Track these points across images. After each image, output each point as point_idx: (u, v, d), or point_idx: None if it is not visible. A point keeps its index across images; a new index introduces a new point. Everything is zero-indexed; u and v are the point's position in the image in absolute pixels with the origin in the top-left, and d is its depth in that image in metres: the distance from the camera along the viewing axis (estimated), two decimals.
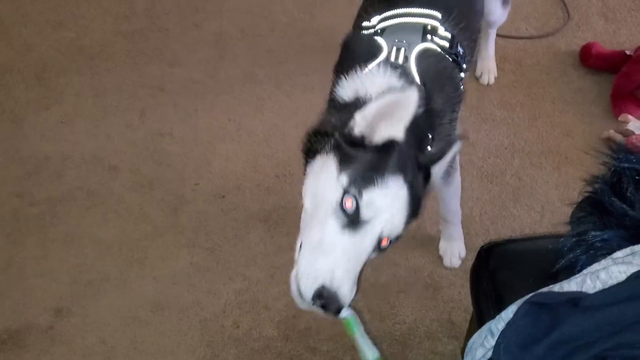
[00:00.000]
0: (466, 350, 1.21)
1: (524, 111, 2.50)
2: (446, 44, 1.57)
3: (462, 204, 2.06)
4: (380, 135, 1.26)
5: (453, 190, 1.92)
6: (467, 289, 2.09)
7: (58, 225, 2.33)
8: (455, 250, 2.16)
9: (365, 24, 1.64)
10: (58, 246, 2.29)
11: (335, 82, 1.60)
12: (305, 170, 1.38)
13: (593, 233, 1.01)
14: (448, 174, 1.72)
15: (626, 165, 1.05)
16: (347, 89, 1.45)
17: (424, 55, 1.51)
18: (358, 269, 1.23)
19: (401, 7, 1.60)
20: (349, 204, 1.20)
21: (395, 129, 1.25)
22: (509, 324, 0.94)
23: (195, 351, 2.06)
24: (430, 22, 1.57)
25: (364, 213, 1.21)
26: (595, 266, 0.95)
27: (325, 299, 1.17)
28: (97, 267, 2.24)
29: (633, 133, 2.27)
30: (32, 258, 2.25)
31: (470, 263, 2.14)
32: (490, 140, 2.42)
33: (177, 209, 2.35)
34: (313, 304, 1.20)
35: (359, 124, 1.27)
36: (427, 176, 1.34)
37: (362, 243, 1.22)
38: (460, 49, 1.61)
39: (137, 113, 2.62)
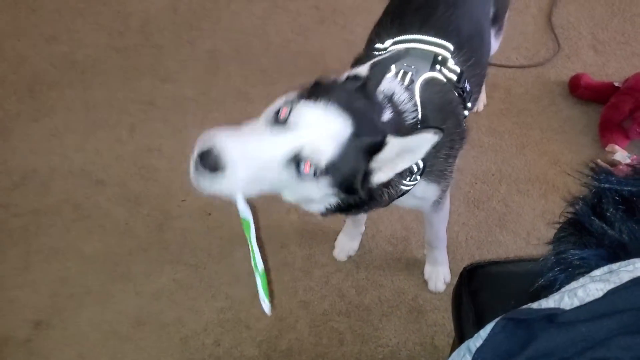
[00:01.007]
0: None
1: (512, 139, 2.51)
2: (454, 77, 1.55)
3: (448, 229, 2.06)
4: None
5: (441, 217, 1.91)
6: (451, 313, 2.10)
7: (42, 237, 2.32)
8: (440, 275, 2.15)
9: (377, 45, 1.62)
10: (41, 258, 2.26)
11: None
12: None
13: (572, 252, 1.00)
14: (438, 200, 1.71)
15: (607, 185, 1.04)
16: None
17: (430, 83, 1.49)
18: (259, 159, 1.16)
19: (415, 34, 1.59)
20: (283, 113, 1.19)
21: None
22: (485, 340, 0.93)
23: None
24: (442, 53, 1.55)
25: (292, 119, 1.17)
26: (573, 284, 0.95)
27: (209, 158, 1.13)
28: (79, 280, 2.22)
29: (620, 163, 2.29)
30: (13, 269, 2.23)
31: None
32: (478, 166, 2.43)
33: (163, 225, 2.34)
34: (196, 167, 1.15)
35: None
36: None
37: (277, 144, 1.17)
38: (467, 85, 1.59)
39: (127, 128, 2.62)
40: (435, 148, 1.45)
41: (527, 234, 2.26)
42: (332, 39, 2.87)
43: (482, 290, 1.44)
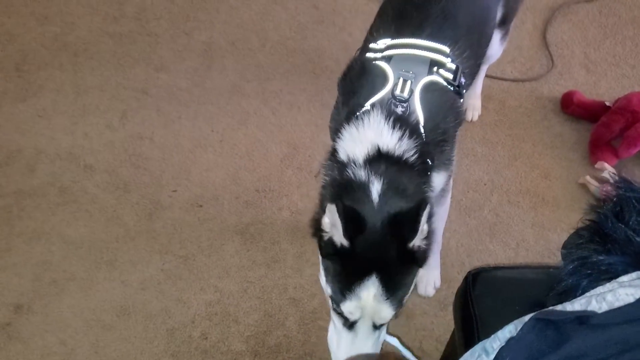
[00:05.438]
0: None
1: (505, 150, 2.54)
2: (450, 76, 1.58)
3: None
4: (337, 240, 1.36)
5: (442, 213, 1.91)
6: (440, 318, 2.11)
7: (25, 220, 2.26)
8: (430, 280, 2.15)
9: (372, 45, 1.64)
10: (23, 241, 2.21)
11: (338, 98, 1.63)
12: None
13: (598, 257, 1.01)
14: (444, 189, 1.73)
15: (630, 194, 1.06)
16: (345, 144, 1.51)
17: (428, 88, 1.54)
18: (366, 347, 1.44)
19: (411, 35, 1.61)
20: (339, 311, 1.41)
21: (337, 235, 1.34)
22: (515, 339, 0.93)
23: None
24: (438, 57, 1.59)
25: (349, 318, 1.40)
26: (599, 289, 0.95)
27: None
28: (63, 265, 2.16)
29: (609, 180, 2.33)
30: None
31: (444, 293, 2.16)
32: (470, 175, 2.45)
33: (152, 214, 2.30)
34: None
35: (327, 228, 1.40)
36: (408, 254, 1.38)
37: (360, 336, 1.43)
38: (462, 80, 1.62)
39: (118, 114, 2.57)
40: (440, 145, 1.57)
41: (517, 245, 2.28)
42: (329, 39, 2.87)
43: (486, 295, 1.44)
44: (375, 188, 1.39)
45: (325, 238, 1.40)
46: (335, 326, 1.49)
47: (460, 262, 2.24)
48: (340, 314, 1.41)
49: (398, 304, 1.40)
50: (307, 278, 2.17)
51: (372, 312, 1.38)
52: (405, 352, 1.56)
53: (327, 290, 1.43)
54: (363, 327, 1.42)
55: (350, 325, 1.43)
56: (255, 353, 2.01)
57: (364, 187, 1.40)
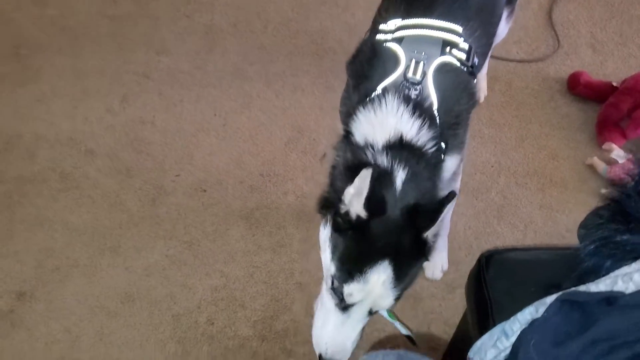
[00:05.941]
0: (471, 352, 1.17)
1: (512, 131, 2.51)
2: (463, 56, 1.54)
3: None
4: (353, 212, 1.32)
5: None
6: (448, 301, 2.10)
7: (27, 206, 2.23)
8: (438, 263, 2.13)
9: (382, 26, 1.60)
10: (25, 227, 2.18)
11: (348, 81, 1.60)
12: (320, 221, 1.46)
13: (622, 237, 0.98)
14: (452, 178, 1.70)
15: None
16: (362, 127, 1.45)
17: (442, 70, 1.50)
18: (355, 332, 1.42)
19: (421, 15, 1.57)
20: (337, 290, 1.36)
21: (357, 205, 1.30)
22: (540, 321, 0.91)
23: (166, 346, 1.97)
24: (451, 37, 1.55)
25: (348, 300, 1.35)
26: (625, 269, 0.93)
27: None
28: (66, 252, 2.14)
29: (616, 161, 2.31)
30: None
31: (452, 276, 2.14)
32: (477, 157, 2.42)
33: (156, 199, 2.26)
34: None
35: (347, 199, 1.34)
36: (421, 244, 1.35)
37: (352, 320, 1.40)
38: (475, 60, 1.59)
39: (119, 98, 2.53)
40: (453, 128, 1.53)
41: (525, 226, 2.26)
42: (332, 20, 2.82)
43: (500, 277, 1.41)
44: (400, 176, 1.35)
45: (342, 211, 1.35)
46: (324, 306, 1.44)
47: (468, 245, 2.22)
48: (338, 294, 1.37)
49: (399, 295, 1.36)
50: (313, 262, 2.14)
51: (375, 298, 1.34)
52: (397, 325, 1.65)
53: (331, 268, 1.37)
54: (359, 311, 1.38)
55: (344, 307, 1.38)
56: (263, 338, 1.99)
57: (387, 174, 1.36)
